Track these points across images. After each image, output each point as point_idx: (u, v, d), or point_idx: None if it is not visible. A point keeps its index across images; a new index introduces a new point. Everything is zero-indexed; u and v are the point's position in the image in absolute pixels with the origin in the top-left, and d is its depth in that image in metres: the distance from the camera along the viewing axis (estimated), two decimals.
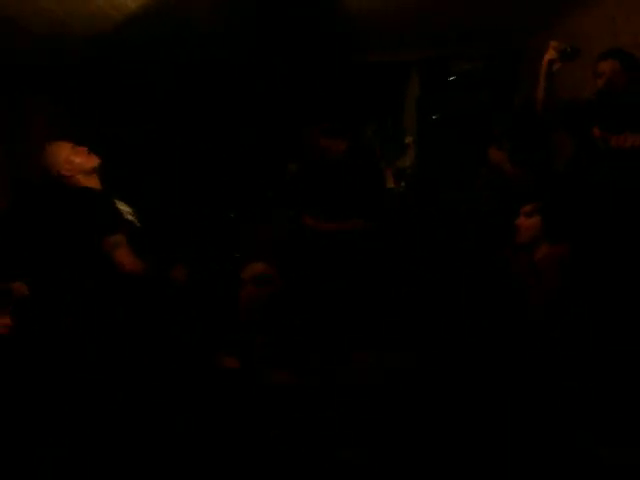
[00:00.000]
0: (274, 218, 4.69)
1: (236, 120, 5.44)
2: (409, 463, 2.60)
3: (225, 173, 5.38)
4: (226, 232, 4.86)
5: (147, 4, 3.75)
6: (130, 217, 3.33)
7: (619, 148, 3.23)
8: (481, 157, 4.35)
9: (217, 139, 5.47)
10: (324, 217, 4.07)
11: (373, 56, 5.27)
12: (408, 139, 5.14)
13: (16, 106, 5.07)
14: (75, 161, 3.19)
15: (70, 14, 3.80)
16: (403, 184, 4.98)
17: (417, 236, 4.48)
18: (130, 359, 2.97)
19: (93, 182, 3.19)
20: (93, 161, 3.26)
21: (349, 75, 5.37)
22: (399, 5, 4.22)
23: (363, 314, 3.73)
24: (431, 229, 4.47)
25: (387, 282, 4.03)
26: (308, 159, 4.47)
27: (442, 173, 4.87)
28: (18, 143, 4.91)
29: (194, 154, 5.37)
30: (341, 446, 2.71)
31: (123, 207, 3.30)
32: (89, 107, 5.20)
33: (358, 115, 5.29)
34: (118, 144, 4.83)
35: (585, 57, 3.49)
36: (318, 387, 3.14)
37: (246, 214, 5.11)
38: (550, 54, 3.31)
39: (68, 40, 4.31)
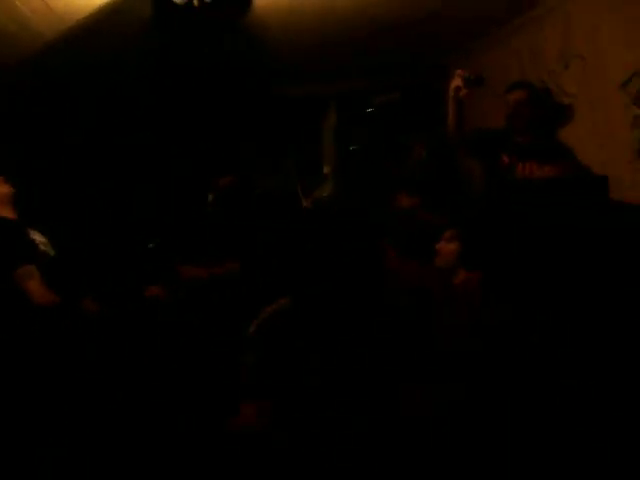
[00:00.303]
0: None
1: (148, 155, 5.36)
2: None
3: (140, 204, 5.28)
4: (143, 263, 4.75)
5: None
6: (43, 247, 3.24)
7: (526, 177, 3.39)
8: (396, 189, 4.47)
9: (130, 171, 5.37)
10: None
11: (291, 90, 5.36)
12: (326, 169, 5.19)
13: None
14: None
15: None
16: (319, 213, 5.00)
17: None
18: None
19: (7, 211, 3.13)
20: (7, 190, 3.19)
21: (267, 108, 5.42)
22: (316, 41, 4.31)
23: None
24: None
25: None
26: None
27: (359, 203, 4.94)
28: None
29: (110, 183, 5.24)
30: None
31: (38, 237, 3.22)
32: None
33: (276, 146, 5.34)
34: (33, 172, 4.68)
35: (496, 89, 3.69)
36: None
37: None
38: (456, 81, 3.43)
39: None
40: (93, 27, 3.46)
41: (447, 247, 3.30)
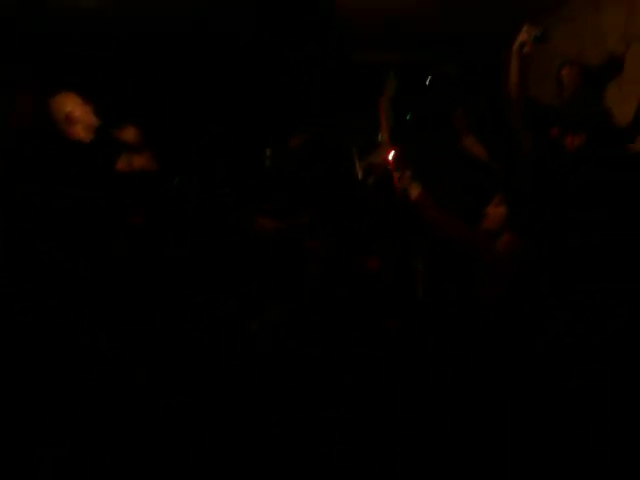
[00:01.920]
0: None
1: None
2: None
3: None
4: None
5: None
6: None
7: (573, 148, 3.49)
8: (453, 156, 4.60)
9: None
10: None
11: (353, 58, 5.52)
12: (381, 137, 5.31)
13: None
14: (75, 113, 3.37)
15: None
16: (372, 179, 5.14)
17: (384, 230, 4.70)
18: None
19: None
20: (93, 119, 3.47)
21: (330, 75, 5.58)
22: (382, 6, 4.44)
23: None
24: (397, 223, 4.68)
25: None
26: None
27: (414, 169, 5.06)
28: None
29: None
30: None
31: None
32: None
33: (336, 110, 5.48)
34: None
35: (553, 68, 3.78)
36: None
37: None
38: (522, 36, 3.44)
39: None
40: None
41: (496, 210, 3.49)
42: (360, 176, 5.09)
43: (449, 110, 5.10)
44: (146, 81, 5.31)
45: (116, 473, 2.61)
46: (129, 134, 3.63)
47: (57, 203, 3.35)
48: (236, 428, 2.88)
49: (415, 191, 3.79)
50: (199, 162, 5.33)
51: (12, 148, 3.92)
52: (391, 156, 4.26)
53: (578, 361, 2.83)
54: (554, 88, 3.74)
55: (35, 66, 5.23)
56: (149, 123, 3.91)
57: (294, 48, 5.24)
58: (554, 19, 4.44)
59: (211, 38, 5.16)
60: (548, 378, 2.81)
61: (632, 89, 3.58)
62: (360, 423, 2.92)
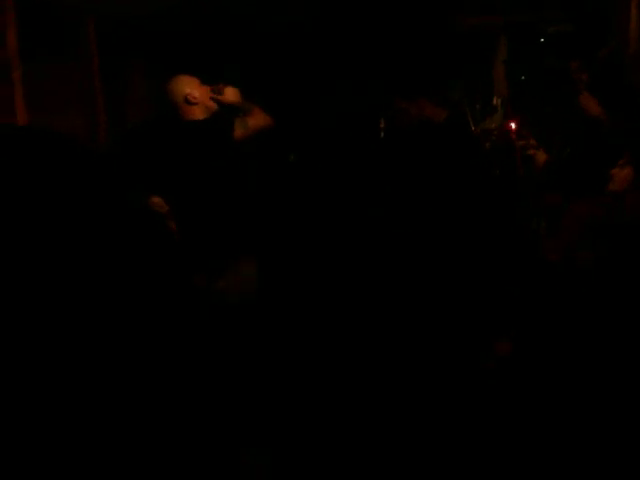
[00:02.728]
0: None
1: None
2: None
3: None
4: None
5: None
6: None
7: None
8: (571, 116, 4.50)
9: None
10: None
11: (464, 20, 5.47)
12: (496, 101, 5.26)
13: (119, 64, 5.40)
14: (195, 94, 3.50)
15: None
16: (488, 144, 5.10)
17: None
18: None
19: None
20: (210, 100, 3.58)
21: (442, 37, 5.57)
22: None
23: None
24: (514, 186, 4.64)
25: None
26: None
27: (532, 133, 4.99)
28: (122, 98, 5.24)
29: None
30: None
31: None
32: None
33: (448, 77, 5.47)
34: None
35: None
36: None
37: None
38: None
39: None
40: None
41: (621, 172, 3.45)
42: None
43: (564, 68, 5.00)
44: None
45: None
46: (230, 95, 3.65)
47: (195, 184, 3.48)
48: None
49: (541, 158, 3.77)
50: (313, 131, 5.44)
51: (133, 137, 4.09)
52: (514, 125, 4.27)
53: None
54: None
55: (146, 52, 5.45)
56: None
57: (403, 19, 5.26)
58: None
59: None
60: None
61: None
62: None
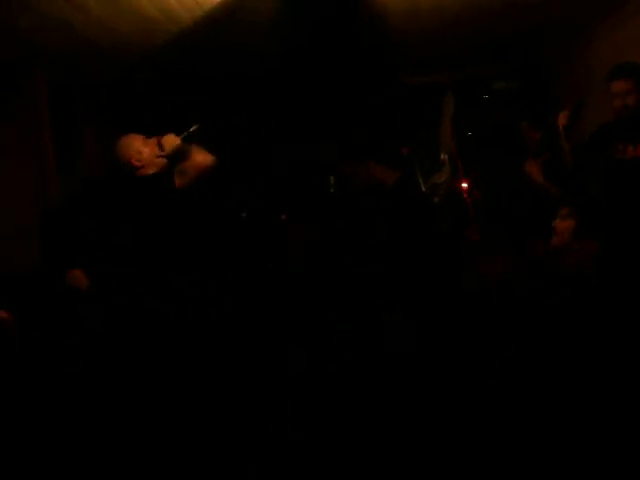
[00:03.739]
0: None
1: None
2: None
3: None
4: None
5: (200, 18, 3.98)
6: None
7: (632, 158, 3.42)
8: (514, 171, 4.54)
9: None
10: None
11: (409, 78, 5.54)
12: (443, 156, 5.28)
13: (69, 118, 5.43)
14: (144, 152, 3.47)
15: (124, 23, 4.02)
16: (437, 199, 5.10)
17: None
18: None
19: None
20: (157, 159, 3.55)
21: (389, 96, 5.64)
22: (437, 27, 4.44)
23: None
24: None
25: None
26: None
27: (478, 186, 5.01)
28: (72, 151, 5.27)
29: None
30: None
31: None
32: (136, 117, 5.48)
33: (397, 135, 5.50)
34: None
35: None
36: None
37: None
38: (561, 121, 3.91)
39: (128, 52, 4.59)
40: (227, 13, 3.79)
41: (563, 224, 3.42)
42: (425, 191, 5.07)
43: (512, 127, 5.05)
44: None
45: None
46: (169, 143, 3.59)
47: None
48: None
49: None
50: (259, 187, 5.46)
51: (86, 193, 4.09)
52: (465, 185, 4.37)
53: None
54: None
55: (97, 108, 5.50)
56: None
57: (346, 76, 5.31)
58: (607, 23, 4.36)
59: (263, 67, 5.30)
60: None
61: None
62: None
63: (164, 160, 3.54)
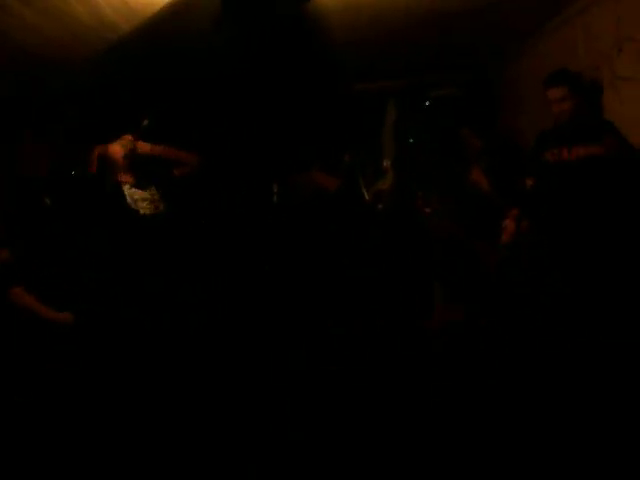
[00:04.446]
0: None
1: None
2: None
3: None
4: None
5: (139, 25, 3.92)
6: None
7: (565, 161, 3.52)
8: (456, 177, 4.63)
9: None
10: None
11: (353, 88, 5.59)
12: (386, 162, 5.32)
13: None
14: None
15: (60, 30, 3.91)
16: (381, 206, 5.15)
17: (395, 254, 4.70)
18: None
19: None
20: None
21: (332, 105, 5.65)
22: (378, 36, 4.47)
23: None
24: (408, 246, 4.69)
25: None
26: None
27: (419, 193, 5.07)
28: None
29: None
30: None
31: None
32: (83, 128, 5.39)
33: (338, 142, 5.53)
34: None
35: None
36: None
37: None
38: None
39: (67, 62, 4.47)
40: (165, 20, 3.74)
41: (512, 224, 3.60)
42: (368, 201, 5.11)
43: (453, 133, 5.13)
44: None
45: None
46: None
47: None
48: None
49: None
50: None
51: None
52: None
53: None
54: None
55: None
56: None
57: (293, 83, 5.31)
58: (546, 28, 4.46)
59: (218, 78, 5.26)
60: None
61: (629, 91, 3.53)
62: None
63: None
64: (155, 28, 3.90)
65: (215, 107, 5.63)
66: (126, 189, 3.90)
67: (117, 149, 3.88)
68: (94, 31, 3.90)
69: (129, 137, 3.94)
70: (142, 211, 3.88)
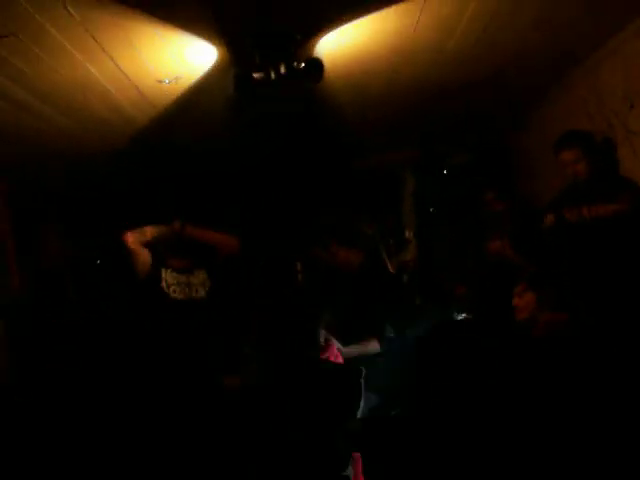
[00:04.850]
0: None
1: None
2: None
3: None
4: None
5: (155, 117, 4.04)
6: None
7: (584, 220, 3.44)
8: (479, 244, 4.58)
9: None
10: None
11: (369, 161, 5.66)
12: (408, 233, 5.33)
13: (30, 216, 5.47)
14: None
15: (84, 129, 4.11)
16: (405, 277, 5.12)
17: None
18: None
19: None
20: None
21: (349, 180, 5.72)
22: (387, 113, 4.55)
23: None
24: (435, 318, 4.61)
25: None
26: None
27: (443, 263, 5.04)
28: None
29: None
30: None
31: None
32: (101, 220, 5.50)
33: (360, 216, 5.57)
34: None
35: None
36: None
37: None
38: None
39: (86, 156, 4.65)
40: (181, 109, 3.84)
41: (522, 300, 3.40)
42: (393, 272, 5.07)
43: (477, 199, 5.12)
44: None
45: None
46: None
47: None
48: None
49: None
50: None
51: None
52: None
53: None
54: None
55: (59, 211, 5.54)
56: None
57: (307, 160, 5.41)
58: (554, 92, 4.51)
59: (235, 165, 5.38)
60: None
61: None
62: None
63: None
64: (171, 120, 4.04)
65: (236, 189, 5.74)
66: (167, 273, 3.89)
67: (147, 234, 3.88)
68: (114, 127, 4.07)
69: (178, 222, 3.92)
70: (173, 295, 3.86)
